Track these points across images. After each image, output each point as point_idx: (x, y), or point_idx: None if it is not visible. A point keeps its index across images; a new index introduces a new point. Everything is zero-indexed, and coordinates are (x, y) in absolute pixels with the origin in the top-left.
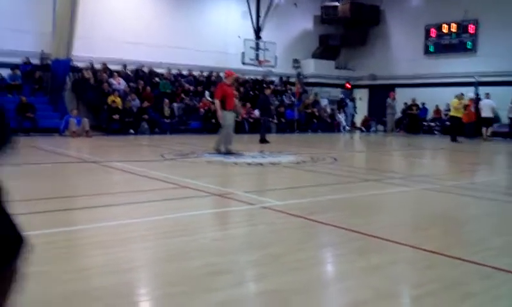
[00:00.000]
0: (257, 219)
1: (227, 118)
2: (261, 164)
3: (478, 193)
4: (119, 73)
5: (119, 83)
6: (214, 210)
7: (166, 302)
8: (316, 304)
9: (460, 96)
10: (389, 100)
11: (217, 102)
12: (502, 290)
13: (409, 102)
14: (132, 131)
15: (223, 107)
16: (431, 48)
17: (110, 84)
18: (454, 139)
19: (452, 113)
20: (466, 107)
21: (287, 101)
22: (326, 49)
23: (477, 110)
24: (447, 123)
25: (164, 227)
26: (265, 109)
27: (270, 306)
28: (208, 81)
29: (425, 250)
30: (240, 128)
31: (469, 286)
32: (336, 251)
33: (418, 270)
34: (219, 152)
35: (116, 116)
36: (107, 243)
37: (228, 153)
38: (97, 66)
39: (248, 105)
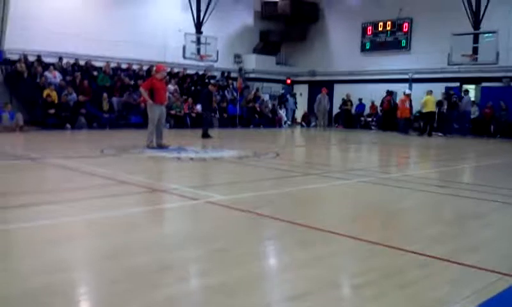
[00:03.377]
0: (201, 214)
1: (155, 112)
2: (204, 159)
3: (412, 185)
4: (54, 66)
5: (54, 76)
6: (157, 206)
7: (109, 300)
8: (260, 297)
9: (430, 92)
10: (319, 96)
11: (142, 90)
12: (438, 278)
13: (348, 99)
14: (68, 126)
15: (151, 100)
16: (367, 46)
17: (45, 78)
18: (430, 134)
19: (427, 109)
20: (402, 102)
21: (229, 96)
22: (266, 45)
23: (411, 106)
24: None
25: (105, 224)
26: (207, 103)
27: (214, 300)
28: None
29: (364, 240)
30: (182, 123)
31: (407, 274)
32: (279, 243)
33: (358, 260)
34: (150, 147)
35: (52, 110)
36: (45, 242)
37: (160, 147)
38: (32, 59)
39: (190, 100)
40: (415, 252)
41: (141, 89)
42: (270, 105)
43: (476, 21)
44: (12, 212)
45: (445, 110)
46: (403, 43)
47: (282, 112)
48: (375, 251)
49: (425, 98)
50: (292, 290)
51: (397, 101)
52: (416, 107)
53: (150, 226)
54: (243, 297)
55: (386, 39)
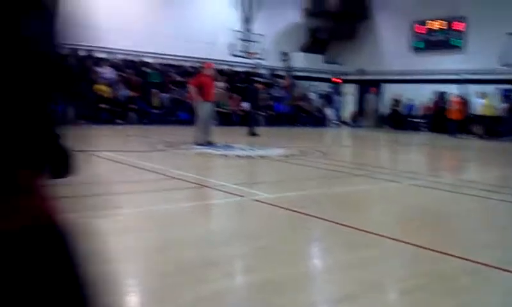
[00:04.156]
0: (247, 212)
1: (203, 109)
2: (251, 157)
3: (464, 189)
4: (107, 62)
5: (106, 72)
6: (205, 202)
7: (157, 293)
8: (305, 297)
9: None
10: (368, 95)
11: (191, 87)
12: (491, 286)
13: (397, 99)
14: (119, 121)
15: (200, 97)
16: (419, 45)
17: (97, 73)
18: (482, 136)
19: (488, 113)
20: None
21: (275, 94)
22: (314, 42)
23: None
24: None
25: (155, 218)
26: (254, 101)
27: (260, 297)
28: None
29: (413, 244)
30: (229, 120)
31: (458, 281)
32: (324, 244)
33: (406, 264)
34: (199, 144)
35: (104, 105)
36: (95, 233)
37: (208, 144)
38: (83, 53)
39: (238, 97)
40: (465, 259)
41: (190, 86)
42: (317, 104)
43: None
44: (65, 203)
45: (505, 114)
46: (455, 42)
47: (329, 111)
48: (423, 255)
49: (485, 101)
50: (339, 291)
51: (449, 102)
52: (472, 110)
53: (197, 222)
54: (289, 295)
55: (437, 38)
